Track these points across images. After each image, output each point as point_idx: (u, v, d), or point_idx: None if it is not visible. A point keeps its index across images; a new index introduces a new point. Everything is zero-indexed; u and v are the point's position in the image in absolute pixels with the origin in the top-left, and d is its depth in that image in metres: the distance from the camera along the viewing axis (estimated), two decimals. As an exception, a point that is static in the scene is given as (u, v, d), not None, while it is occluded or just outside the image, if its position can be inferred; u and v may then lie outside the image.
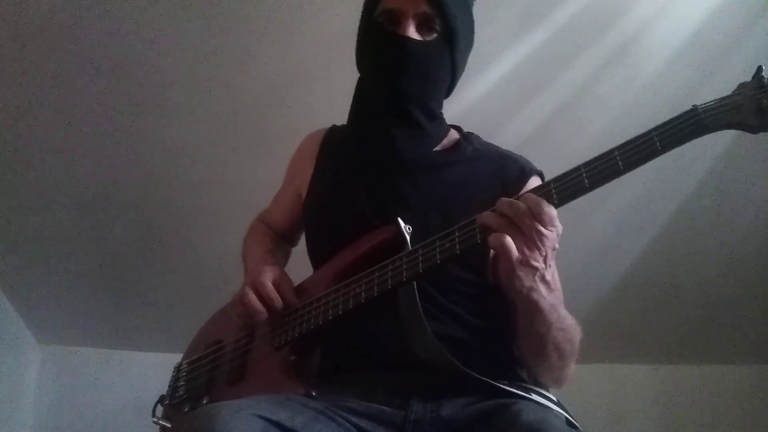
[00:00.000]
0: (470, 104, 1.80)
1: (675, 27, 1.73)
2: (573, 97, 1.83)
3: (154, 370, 2.23)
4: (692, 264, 2.20)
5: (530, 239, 0.78)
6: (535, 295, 0.82)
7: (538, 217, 0.78)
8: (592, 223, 2.07)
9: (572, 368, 0.94)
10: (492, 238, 0.79)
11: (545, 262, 0.80)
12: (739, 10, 1.67)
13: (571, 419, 0.90)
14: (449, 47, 1.02)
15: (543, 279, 0.81)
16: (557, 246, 0.81)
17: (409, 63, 0.99)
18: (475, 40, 1.10)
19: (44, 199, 1.98)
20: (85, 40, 1.67)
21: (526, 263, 0.79)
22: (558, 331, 0.87)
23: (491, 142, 1.16)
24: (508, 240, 0.78)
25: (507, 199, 0.81)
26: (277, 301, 0.98)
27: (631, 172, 0.79)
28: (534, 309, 0.84)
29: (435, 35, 1.00)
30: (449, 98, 1.11)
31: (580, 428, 0.87)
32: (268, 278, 1.00)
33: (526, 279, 0.80)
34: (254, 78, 1.79)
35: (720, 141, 1.89)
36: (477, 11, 1.67)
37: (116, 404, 2.27)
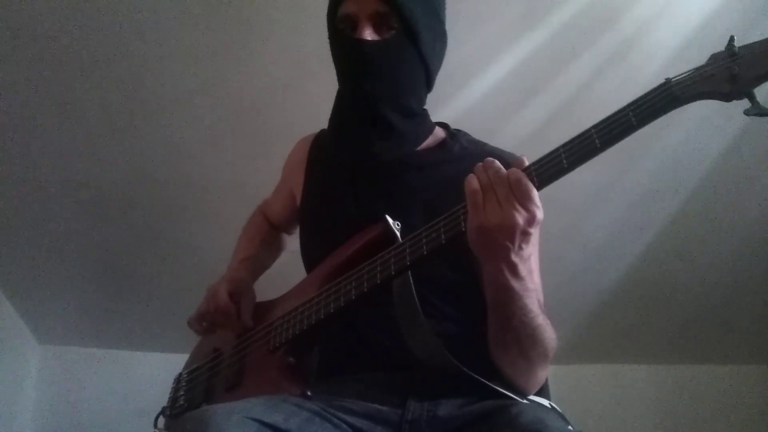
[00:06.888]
0: (470, 104, 1.79)
1: (675, 27, 1.72)
2: (573, 97, 1.82)
3: (154, 370, 2.23)
4: (692, 264, 2.19)
5: (500, 204, 0.78)
6: (497, 274, 0.81)
7: (515, 184, 0.78)
8: (592, 223, 2.07)
9: (541, 375, 0.92)
10: (465, 181, 0.81)
11: (512, 242, 0.78)
12: (739, 11, 1.66)
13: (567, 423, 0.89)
14: (412, 41, 1.01)
15: (508, 260, 0.80)
16: (530, 231, 0.78)
17: (368, 65, 1.00)
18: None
19: (44, 199, 1.98)
20: (85, 40, 1.67)
21: (491, 228, 0.78)
22: (521, 324, 0.84)
23: (491, 141, 1.15)
24: (475, 181, 0.80)
25: (492, 159, 0.82)
26: (233, 318, 1.07)
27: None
28: (499, 289, 0.83)
29: (393, 32, 1.00)
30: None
31: (577, 431, 0.87)
32: (224, 294, 1.09)
33: (490, 249, 0.80)
34: (254, 77, 1.79)
35: (720, 140, 1.89)
36: (477, 11, 1.67)
37: (116, 404, 2.26)
